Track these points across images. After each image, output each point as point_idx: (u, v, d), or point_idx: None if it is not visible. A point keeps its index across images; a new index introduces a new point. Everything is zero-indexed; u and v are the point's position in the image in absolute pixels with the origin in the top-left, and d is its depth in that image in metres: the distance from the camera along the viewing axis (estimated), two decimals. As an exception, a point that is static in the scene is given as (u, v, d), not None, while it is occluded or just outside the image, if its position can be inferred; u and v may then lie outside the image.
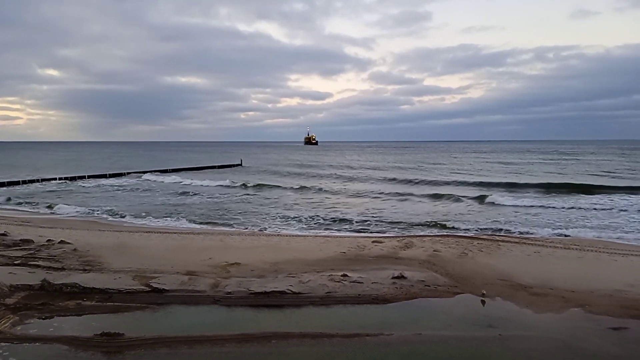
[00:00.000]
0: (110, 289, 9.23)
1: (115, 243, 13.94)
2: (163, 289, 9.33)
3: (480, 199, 26.47)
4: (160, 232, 16.54)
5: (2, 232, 15.06)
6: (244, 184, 36.36)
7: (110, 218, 21.34)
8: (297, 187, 34.56)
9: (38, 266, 10.91)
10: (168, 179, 41.86)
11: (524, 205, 23.89)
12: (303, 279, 10.00)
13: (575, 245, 13.84)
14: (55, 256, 11.92)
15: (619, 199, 25.25)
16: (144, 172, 47.37)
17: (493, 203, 25.14)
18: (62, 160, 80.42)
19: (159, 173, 47.80)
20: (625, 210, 21.66)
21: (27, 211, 23.51)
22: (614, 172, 45.64)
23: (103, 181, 40.24)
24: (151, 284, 9.52)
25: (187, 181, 39.27)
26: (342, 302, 8.93)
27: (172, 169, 53.13)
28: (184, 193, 31.76)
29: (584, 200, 25.49)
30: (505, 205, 24.38)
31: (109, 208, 24.04)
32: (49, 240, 13.66)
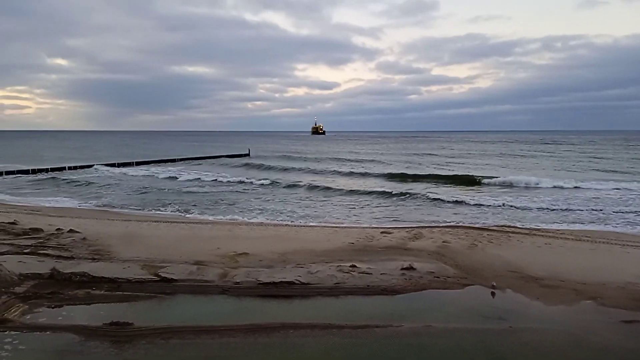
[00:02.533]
0: (119, 278, 9.23)
1: (124, 232, 13.96)
2: (172, 278, 9.33)
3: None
4: (168, 222, 16.56)
5: (12, 220, 15.12)
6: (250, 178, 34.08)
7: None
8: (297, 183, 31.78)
9: (47, 255, 10.93)
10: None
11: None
12: (311, 270, 9.96)
13: (587, 237, 13.69)
14: (64, 245, 11.95)
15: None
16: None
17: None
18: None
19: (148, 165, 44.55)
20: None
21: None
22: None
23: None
24: (160, 274, 9.52)
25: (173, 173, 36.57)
26: (350, 293, 8.89)
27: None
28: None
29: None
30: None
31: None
32: (58, 229, 13.71)
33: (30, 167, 38.87)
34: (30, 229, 13.78)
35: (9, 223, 14.66)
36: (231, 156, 60.75)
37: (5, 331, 6.96)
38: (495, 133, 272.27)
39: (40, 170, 38.16)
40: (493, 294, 8.92)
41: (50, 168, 39.47)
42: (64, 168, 40.27)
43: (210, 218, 18.47)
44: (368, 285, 9.15)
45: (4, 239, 12.46)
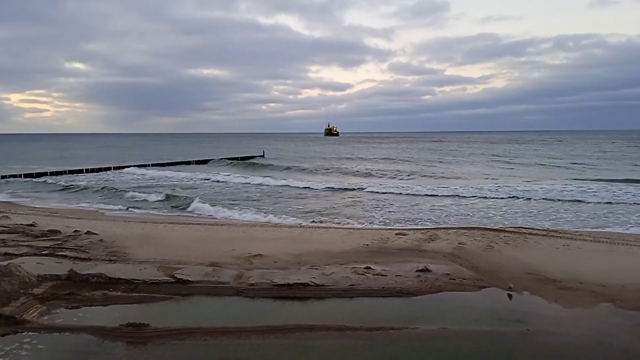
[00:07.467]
0: (136, 280, 9.31)
1: (140, 234, 14.07)
2: (187, 280, 9.37)
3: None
4: (184, 223, 16.67)
5: (31, 222, 15.36)
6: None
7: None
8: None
9: (65, 256, 11.05)
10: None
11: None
12: (326, 271, 9.93)
13: (605, 238, 13.46)
14: (82, 246, 12.08)
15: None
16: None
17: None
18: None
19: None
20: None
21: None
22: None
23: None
24: (175, 275, 9.57)
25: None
26: (365, 295, 8.84)
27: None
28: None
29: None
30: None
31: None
32: (75, 231, 13.87)
33: (48, 170, 39.81)
34: (48, 230, 13.97)
35: (27, 225, 14.89)
36: (245, 158, 61.07)
37: (24, 332, 7.06)
38: (505, 133, 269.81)
39: (59, 173, 38.98)
40: (510, 296, 8.81)
41: (68, 170, 40.72)
42: (81, 170, 41.29)
43: (225, 219, 18.55)
44: (383, 287, 9.10)
45: (23, 241, 12.65)
